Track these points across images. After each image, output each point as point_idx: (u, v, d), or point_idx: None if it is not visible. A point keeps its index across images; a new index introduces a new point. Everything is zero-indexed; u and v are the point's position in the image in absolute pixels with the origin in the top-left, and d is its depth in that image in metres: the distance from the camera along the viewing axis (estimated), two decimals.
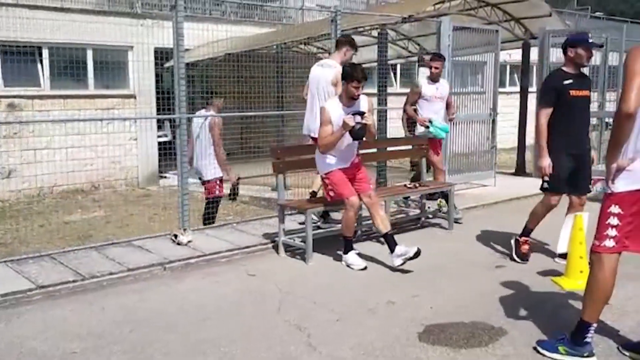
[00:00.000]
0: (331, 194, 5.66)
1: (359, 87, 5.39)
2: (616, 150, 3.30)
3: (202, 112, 7.38)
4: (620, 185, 3.37)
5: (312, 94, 6.73)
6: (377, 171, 9.01)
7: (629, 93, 3.14)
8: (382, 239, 6.27)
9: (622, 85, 3.23)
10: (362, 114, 5.37)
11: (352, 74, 5.37)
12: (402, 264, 5.34)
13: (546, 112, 5.30)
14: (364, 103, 5.59)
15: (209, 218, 7.20)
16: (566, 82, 5.23)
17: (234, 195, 7.39)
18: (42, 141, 10.83)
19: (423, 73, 8.97)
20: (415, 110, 7.72)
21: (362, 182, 5.71)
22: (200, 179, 7.46)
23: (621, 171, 3.34)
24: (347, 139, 5.47)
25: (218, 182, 7.38)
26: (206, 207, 7.36)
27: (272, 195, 8.32)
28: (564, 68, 5.35)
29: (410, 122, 7.95)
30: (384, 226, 5.55)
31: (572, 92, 5.23)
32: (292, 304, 4.60)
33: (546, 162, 5.31)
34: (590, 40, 5.31)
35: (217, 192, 7.36)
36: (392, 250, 5.43)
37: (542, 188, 5.59)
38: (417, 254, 5.32)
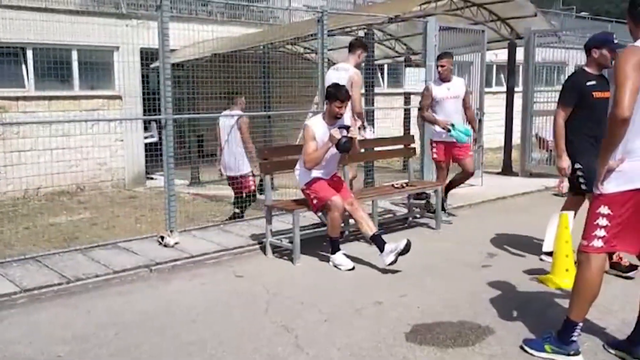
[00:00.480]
0: (315, 202, 5.69)
1: (342, 107, 5.61)
2: (609, 153, 3.30)
3: (227, 112, 8.07)
4: (611, 186, 3.37)
5: None
6: (365, 171, 9.01)
7: (623, 97, 3.12)
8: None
9: (615, 89, 3.20)
10: (347, 127, 5.57)
11: (335, 94, 5.59)
12: (394, 260, 5.31)
13: (565, 113, 5.15)
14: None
15: (241, 211, 7.81)
16: (589, 83, 5.09)
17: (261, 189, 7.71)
18: (27, 143, 10.73)
19: (409, 74, 8.95)
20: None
21: (342, 192, 5.79)
22: (228, 176, 8.15)
23: (611, 172, 3.36)
24: (331, 153, 5.63)
25: (252, 177, 8.01)
26: (240, 201, 7.97)
27: (260, 196, 8.30)
28: (586, 69, 5.20)
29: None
30: (369, 228, 5.58)
31: (595, 94, 5.08)
32: (279, 305, 4.59)
33: (566, 163, 5.14)
34: (616, 41, 5.14)
35: (252, 186, 8.04)
36: (381, 250, 5.42)
37: (578, 190, 5.26)
38: (407, 246, 5.32)
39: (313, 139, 5.60)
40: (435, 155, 7.42)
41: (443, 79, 7.22)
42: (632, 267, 5.06)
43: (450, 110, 7.22)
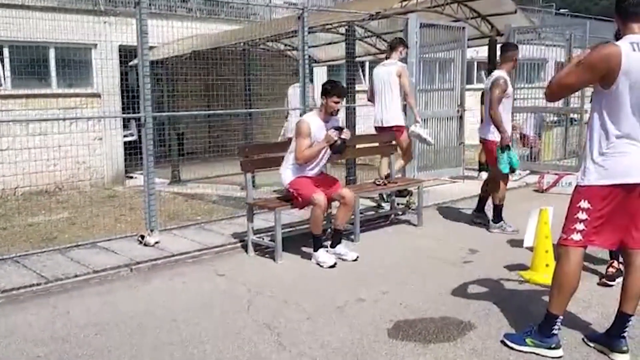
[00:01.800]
0: (299, 199, 5.69)
1: (339, 103, 5.62)
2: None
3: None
4: (593, 178, 3.41)
5: (378, 91, 7.78)
6: (347, 169, 9.01)
7: (552, 81, 3.48)
8: (353, 236, 6.31)
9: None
10: (341, 129, 5.61)
11: (332, 91, 5.58)
12: (326, 261, 5.48)
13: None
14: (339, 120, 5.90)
15: None
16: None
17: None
18: (3, 142, 10.56)
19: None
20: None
21: (331, 184, 5.81)
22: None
23: (596, 165, 3.40)
24: (322, 152, 5.66)
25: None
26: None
27: (242, 195, 8.26)
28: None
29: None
30: (342, 223, 5.75)
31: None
32: (261, 304, 4.56)
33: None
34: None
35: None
36: (332, 246, 5.68)
37: None
38: (353, 259, 5.58)
39: (308, 135, 5.54)
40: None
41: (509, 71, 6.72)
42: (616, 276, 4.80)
43: (509, 112, 6.71)
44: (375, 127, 7.87)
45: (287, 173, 5.74)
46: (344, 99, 5.77)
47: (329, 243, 5.77)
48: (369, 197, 7.76)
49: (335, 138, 5.50)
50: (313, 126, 5.60)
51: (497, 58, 6.99)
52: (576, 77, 3.41)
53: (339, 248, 5.72)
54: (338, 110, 5.69)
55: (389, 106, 7.65)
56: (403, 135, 7.76)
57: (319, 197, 5.52)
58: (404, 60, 7.99)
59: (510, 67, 6.73)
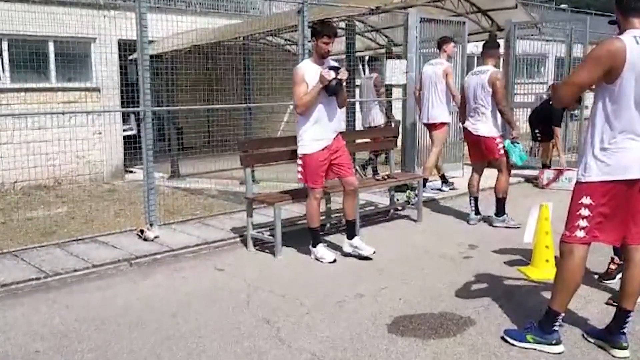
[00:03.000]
0: (300, 176, 5.57)
1: (329, 43, 5.41)
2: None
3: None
4: (594, 174, 3.40)
5: (425, 88, 8.20)
6: None
7: (567, 79, 3.52)
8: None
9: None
10: (337, 69, 5.40)
11: (321, 30, 5.41)
12: (328, 257, 5.49)
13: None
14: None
15: None
16: None
17: None
18: (3, 136, 10.54)
19: (391, 65, 8.90)
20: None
21: (342, 168, 5.59)
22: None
23: (597, 161, 3.38)
24: (327, 103, 5.42)
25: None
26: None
27: (241, 189, 8.25)
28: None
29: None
30: (352, 214, 5.67)
31: None
32: (260, 299, 4.56)
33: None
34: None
35: None
36: (349, 237, 5.61)
37: None
38: (369, 256, 5.51)
39: (303, 81, 5.36)
40: (502, 152, 6.68)
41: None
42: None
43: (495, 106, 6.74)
44: (424, 124, 8.49)
45: (302, 137, 5.47)
46: (335, 38, 5.54)
47: (345, 236, 5.74)
48: (399, 192, 7.66)
49: (329, 78, 5.27)
50: (307, 72, 5.40)
51: (484, 52, 6.88)
52: (587, 73, 3.36)
53: (356, 241, 5.60)
54: (329, 50, 5.46)
55: (434, 104, 8.14)
56: (441, 130, 8.19)
57: (318, 192, 5.52)
58: (450, 59, 8.45)
59: (495, 62, 6.97)
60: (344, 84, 5.50)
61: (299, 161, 5.54)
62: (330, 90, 5.36)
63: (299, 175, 5.60)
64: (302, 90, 5.34)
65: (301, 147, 5.49)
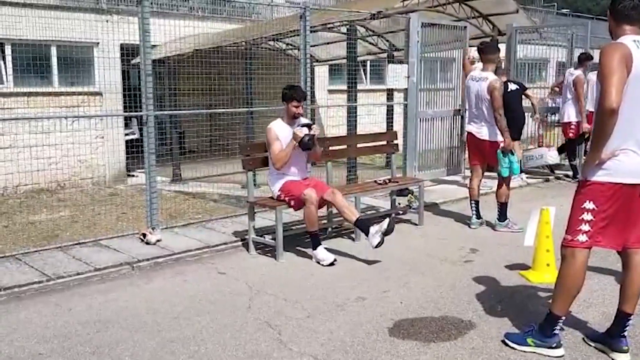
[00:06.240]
0: (292, 203, 5.74)
1: (299, 107, 5.80)
2: (600, 145, 3.33)
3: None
4: (597, 175, 3.40)
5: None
6: (347, 168, 9.01)
7: (610, 89, 3.17)
8: (354, 235, 6.32)
9: (601, 83, 3.24)
10: (309, 125, 5.74)
11: (291, 95, 5.78)
12: (380, 242, 5.36)
13: None
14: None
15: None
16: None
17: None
18: (6, 140, 10.58)
19: (392, 70, 8.92)
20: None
21: (318, 187, 5.84)
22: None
23: (602, 164, 3.39)
24: (296, 155, 5.76)
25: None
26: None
27: (243, 193, 8.27)
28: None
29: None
30: (352, 214, 5.66)
31: None
32: (262, 302, 4.58)
33: None
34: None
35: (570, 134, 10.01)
36: (367, 234, 5.48)
37: None
38: (391, 224, 5.39)
39: (277, 139, 5.74)
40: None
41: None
42: None
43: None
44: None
45: (274, 184, 5.88)
46: (304, 101, 6.00)
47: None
48: (401, 196, 7.68)
49: (301, 135, 5.62)
50: (280, 131, 5.77)
51: (483, 57, 6.85)
52: (617, 76, 3.21)
53: (372, 229, 5.42)
54: (300, 113, 5.86)
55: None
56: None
57: (310, 192, 5.58)
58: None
59: (495, 66, 6.92)
60: (316, 139, 5.82)
61: (281, 197, 5.78)
62: (304, 146, 5.69)
63: (292, 204, 5.75)
64: (277, 148, 5.72)
65: (275, 186, 5.86)
